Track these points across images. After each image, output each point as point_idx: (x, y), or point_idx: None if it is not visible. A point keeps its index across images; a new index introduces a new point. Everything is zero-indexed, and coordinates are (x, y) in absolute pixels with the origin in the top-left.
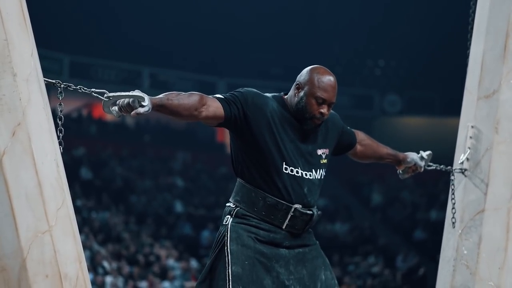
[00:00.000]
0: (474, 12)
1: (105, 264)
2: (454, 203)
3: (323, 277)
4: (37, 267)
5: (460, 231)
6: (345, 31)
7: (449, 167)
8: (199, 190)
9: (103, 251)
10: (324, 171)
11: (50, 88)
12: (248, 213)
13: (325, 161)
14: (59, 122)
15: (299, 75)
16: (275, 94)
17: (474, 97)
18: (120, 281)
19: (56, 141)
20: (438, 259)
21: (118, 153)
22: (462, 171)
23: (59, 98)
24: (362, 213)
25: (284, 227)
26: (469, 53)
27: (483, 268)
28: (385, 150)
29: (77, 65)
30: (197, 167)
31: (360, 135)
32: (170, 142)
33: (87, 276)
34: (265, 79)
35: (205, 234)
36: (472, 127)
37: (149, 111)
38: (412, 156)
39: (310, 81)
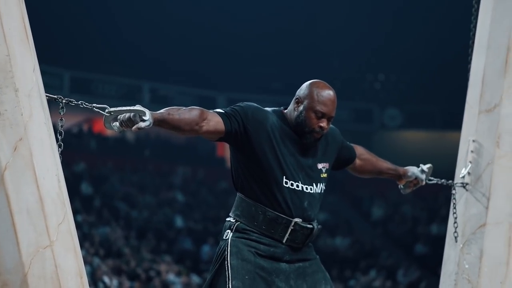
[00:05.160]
0: (475, 26)
1: (106, 279)
2: (455, 218)
3: None
4: (38, 282)
5: (461, 245)
6: (345, 45)
7: (450, 181)
8: (199, 204)
9: (103, 266)
10: (324, 185)
11: (50, 103)
12: (248, 228)
13: (325, 175)
14: (59, 137)
15: (298, 90)
16: (275, 108)
17: (475, 111)
18: None
19: (58, 156)
20: (439, 273)
21: (119, 168)
22: (464, 185)
23: (60, 114)
24: (362, 227)
25: (284, 241)
26: (470, 67)
27: (485, 282)
28: (385, 164)
29: (77, 80)
30: (197, 181)
31: (360, 150)
32: (170, 157)
33: None
34: (265, 93)
35: (206, 249)
36: (473, 141)
37: (150, 125)
38: (413, 170)
39: (309, 95)
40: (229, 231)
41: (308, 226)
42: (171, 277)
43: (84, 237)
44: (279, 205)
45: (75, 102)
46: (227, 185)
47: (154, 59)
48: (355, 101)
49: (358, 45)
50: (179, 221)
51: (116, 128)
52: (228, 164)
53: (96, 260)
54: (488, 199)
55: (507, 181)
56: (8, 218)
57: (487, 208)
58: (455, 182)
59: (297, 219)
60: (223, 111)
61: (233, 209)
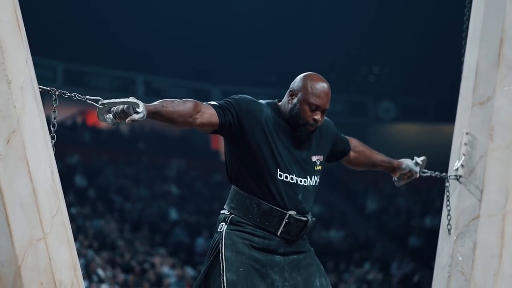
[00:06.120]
0: (468, 19)
1: (100, 272)
2: (449, 210)
3: (318, 283)
4: (32, 275)
5: (455, 238)
6: (339, 38)
7: (444, 174)
8: (194, 197)
9: (98, 258)
10: (319, 178)
11: (44, 96)
12: (242, 220)
13: (319, 167)
14: (52, 129)
15: (292, 82)
16: (269, 101)
17: (469, 103)
18: None
19: (51, 149)
20: (433, 265)
21: (113, 160)
22: (457, 178)
23: (53, 106)
24: (357, 220)
25: (278, 233)
26: (463, 60)
27: (478, 274)
28: (379, 157)
29: (71, 72)
30: (191, 174)
31: (354, 142)
32: (165, 149)
33: (82, 284)
34: (259, 86)
35: (200, 242)
36: (467, 133)
37: (144, 117)
38: (407, 162)
39: (303, 87)
40: (223, 223)
41: (303, 218)
42: (165, 269)
43: (78, 230)
44: (274, 197)
45: (68, 94)
46: (221, 177)
47: (148, 51)
48: (350, 94)
49: (352, 37)
50: (173, 214)
51: (109, 120)
52: (223, 157)
53: (90, 253)
54: (482, 192)
55: (500, 173)
56: (1, 210)
57: (480, 200)
58: (448, 174)
59: (291, 212)
60: (217, 104)
61: (227, 201)
